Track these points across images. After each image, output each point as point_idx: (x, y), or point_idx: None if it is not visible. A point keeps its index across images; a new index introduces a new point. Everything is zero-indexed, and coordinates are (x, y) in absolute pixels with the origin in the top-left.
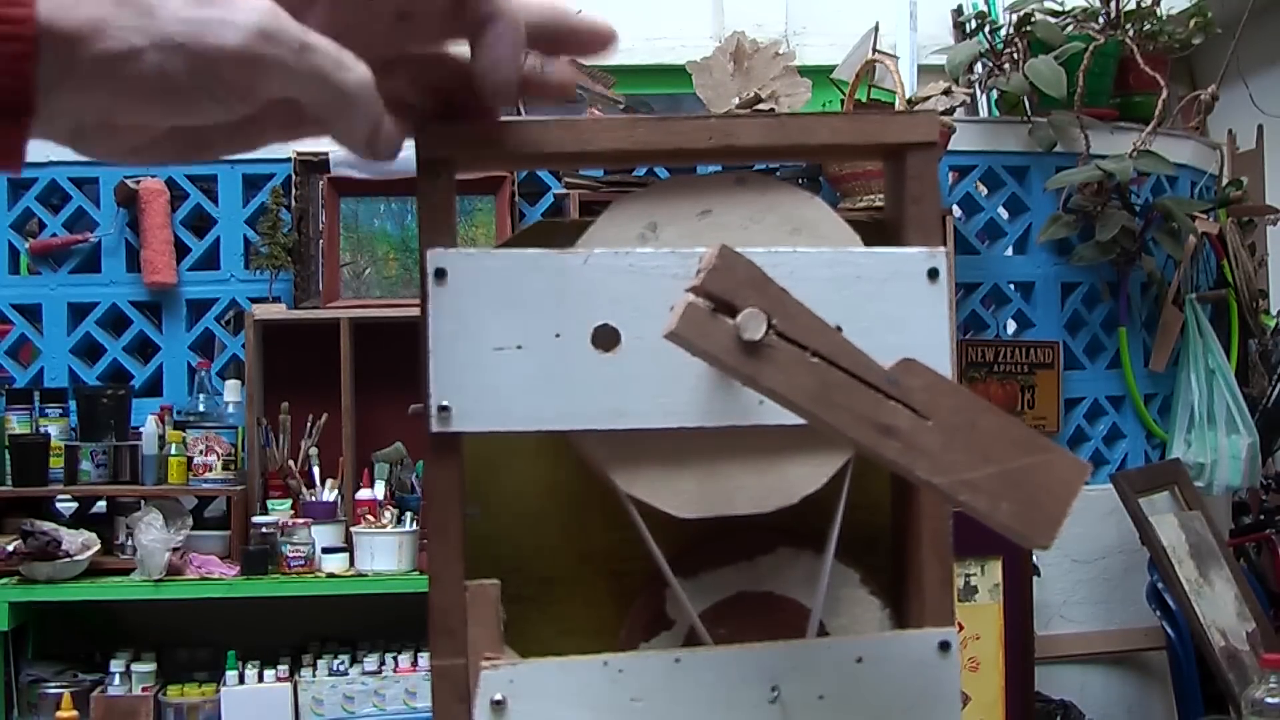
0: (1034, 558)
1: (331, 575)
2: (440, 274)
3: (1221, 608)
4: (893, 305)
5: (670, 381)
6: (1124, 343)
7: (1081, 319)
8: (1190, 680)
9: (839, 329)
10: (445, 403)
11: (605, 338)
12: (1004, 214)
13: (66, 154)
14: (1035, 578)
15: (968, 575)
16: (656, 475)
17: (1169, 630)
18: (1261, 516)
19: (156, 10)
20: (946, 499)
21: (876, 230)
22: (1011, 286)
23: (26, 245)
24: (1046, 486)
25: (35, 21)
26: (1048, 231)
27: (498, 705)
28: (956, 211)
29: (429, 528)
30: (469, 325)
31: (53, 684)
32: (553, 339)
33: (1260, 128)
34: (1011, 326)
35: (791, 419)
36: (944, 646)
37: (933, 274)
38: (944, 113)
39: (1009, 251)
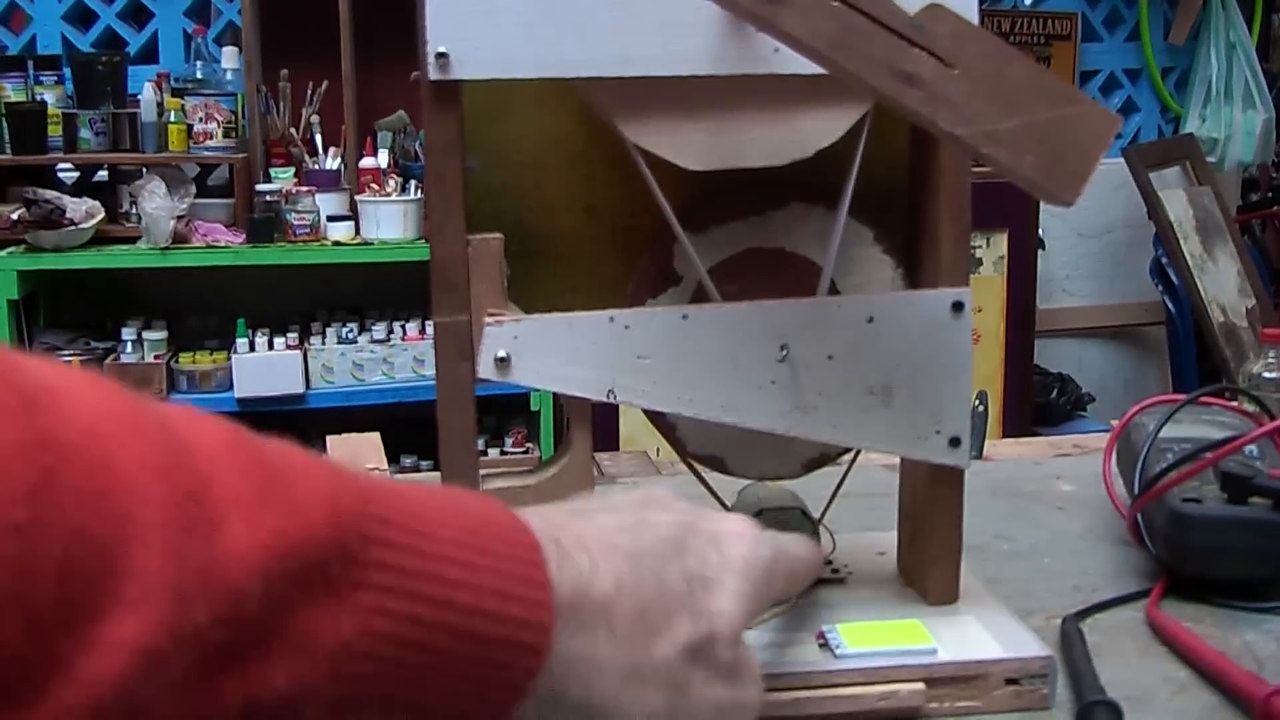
0: (1040, 230)
1: (337, 243)
2: None
3: (1223, 283)
4: None
5: (681, 26)
6: (1144, 14)
7: None
8: (1188, 354)
9: None
10: (443, 49)
11: None
12: None
13: None
14: (1040, 251)
15: (973, 247)
16: (665, 125)
17: (1169, 305)
18: (1270, 194)
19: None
20: (969, 151)
21: None
22: None
23: None
24: (1074, 139)
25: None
26: None
27: (502, 362)
28: None
29: (427, 180)
30: None
31: (66, 351)
32: None
33: None
34: None
35: (809, 67)
36: (957, 307)
37: None
38: None
39: None
